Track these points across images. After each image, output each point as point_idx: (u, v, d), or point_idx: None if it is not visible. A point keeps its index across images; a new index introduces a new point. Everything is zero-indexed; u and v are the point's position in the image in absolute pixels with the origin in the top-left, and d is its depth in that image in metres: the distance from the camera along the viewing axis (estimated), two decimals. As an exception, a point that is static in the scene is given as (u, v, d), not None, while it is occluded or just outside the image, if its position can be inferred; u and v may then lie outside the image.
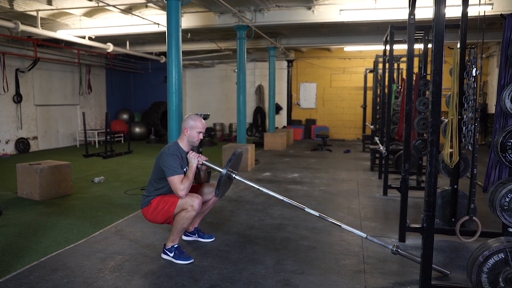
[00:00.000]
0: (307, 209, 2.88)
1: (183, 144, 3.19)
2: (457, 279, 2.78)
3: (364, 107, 11.02)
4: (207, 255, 3.23)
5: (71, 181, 5.44)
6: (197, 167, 3.14)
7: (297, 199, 5.09)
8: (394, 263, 3.09)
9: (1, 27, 7.58)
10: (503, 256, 2.21)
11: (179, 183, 2.99)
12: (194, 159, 3.11)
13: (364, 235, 2.80)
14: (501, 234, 3.01)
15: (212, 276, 2.84)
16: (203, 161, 3.15)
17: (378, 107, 8.27)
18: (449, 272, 2.82)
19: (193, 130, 3.16)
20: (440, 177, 3.91)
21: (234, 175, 3.05)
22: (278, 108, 13.33)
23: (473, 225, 3.24)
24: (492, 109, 11.04)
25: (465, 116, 3.12)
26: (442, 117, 3.23)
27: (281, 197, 3.00)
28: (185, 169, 3.13)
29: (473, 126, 3.06)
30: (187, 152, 3.17)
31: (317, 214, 2.86)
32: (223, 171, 2.97)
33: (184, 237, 3.56)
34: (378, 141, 6.36)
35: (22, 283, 2.71)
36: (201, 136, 3.20)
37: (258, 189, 3.06)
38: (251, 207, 4.70)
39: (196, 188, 3.40)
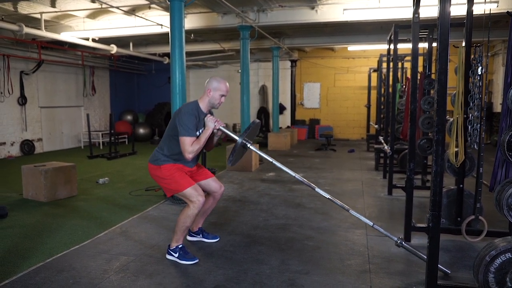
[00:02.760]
0: (317, 189, 2.87)
1: (203, 105, 3.13)
2: (463, 279, 2.76)
3: (368, 106, 10.98)
4: (211, 255, 3.23)
5: (76, 183, 5.46)
6: (212, 131, 3.07)
7: (302, 198, 5.09)
8: (399, 262, 3.07)
9: (5, 30, 7.62)
10: (510, 256, 2.19)
11: (189, 145, 2.95)
12: (212, 122, 3.05)
13: (370, 223, 2.81)
14: (508, 233, 3.00)
15: (217, 276, 2.83)
16: (220, 127, 3.08)
17: (382, 107, 8.23)
18: (449, 272, 2.81)
19: (216, 92, 3.09)
20: (446, 176, 3.88)
21: (249, 145, 2.98)
22: (281, 108, 13.32)
23: (479, 224, 3.21)
24: (497, 107, 10.96)
25: (470, 115, 3.11)
26: (448, 116, 3.21)
27: (292, 173, 2.96)
28: (199, 131, 3.08)
29: (479, 124, 3.04)
30: (205, 114, 3.13)
31: (327, 196, 2.86)
32: (239, 140, 2.95)
33: (189, 238, 3.56)
34: (382, 141, 6.33)
35: (28, 284, 2.72)
36: (223, 99, 3.14)
37: (271, 162, 3.00)
38: (255, 207, 4.69)
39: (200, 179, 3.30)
